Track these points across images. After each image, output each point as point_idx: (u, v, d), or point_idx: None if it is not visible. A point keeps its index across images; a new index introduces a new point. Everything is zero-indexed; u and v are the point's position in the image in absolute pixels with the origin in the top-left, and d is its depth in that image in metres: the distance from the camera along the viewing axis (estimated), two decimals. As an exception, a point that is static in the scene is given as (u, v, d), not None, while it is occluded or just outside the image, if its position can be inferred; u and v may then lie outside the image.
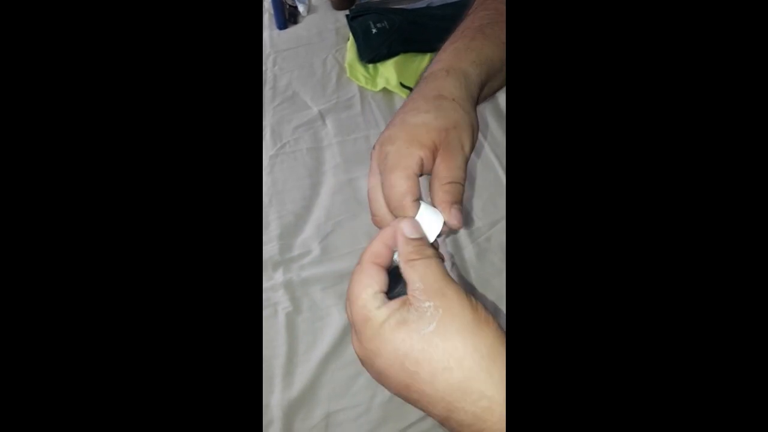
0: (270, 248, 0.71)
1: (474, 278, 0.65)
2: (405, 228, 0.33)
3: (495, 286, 0.64)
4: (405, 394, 0.30)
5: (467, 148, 0.36)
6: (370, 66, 1.00)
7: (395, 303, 0.30)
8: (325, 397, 0.58)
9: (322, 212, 0.74)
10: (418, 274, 0.30)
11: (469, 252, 0.68)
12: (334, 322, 0.63)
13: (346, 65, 1.01)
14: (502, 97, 0.89)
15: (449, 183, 0.35)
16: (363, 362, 0.33)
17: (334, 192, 0.76)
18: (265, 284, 0.67)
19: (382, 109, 0.93)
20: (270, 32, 1.14)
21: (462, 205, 0.36)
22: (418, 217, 0.35)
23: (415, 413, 0.55)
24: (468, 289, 0.33)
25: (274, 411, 0.56)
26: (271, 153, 0.85)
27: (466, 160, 0.36)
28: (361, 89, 0.97)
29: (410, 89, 0.92)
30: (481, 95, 0.40)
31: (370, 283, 0.31)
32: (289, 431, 0.55)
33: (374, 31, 1.01)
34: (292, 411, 0.56)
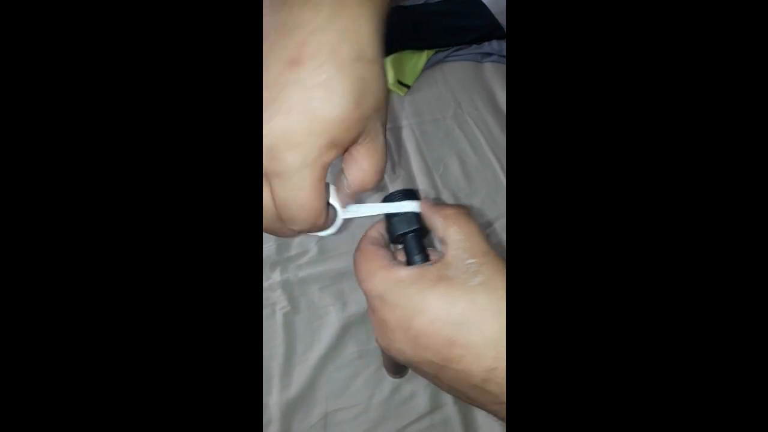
0: (267, 248, 0.70)
1: (472, 277, 0.65)
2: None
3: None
4: (446, 352, 0.27)
5: (383, 128, 0.28)
6: (368, 64, 0.99)
7: (428, 263, 0.28)
8: (323, 397, 0.58)
9: (319, 211, 0.74)
10: (463, 232, 0.28)
11: (467, 250, 0.68)
12: (332, 321, 0.63)
13: (343, 63, 1.01)
14: (500, 96, 0.88)
15: (373, 182, 0.29)
16: (392, 332, 0.28)
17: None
18: (263, 284, 0.67)
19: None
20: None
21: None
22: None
23: (413, 412, 0.55)
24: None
25: (272, 411, 0.56)
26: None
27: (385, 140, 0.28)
28: (359, 87, 0.97)
29: (408, 87, 0.92)
30: None
31: (383, 255, 0.30)
32: (287, 431, 0.55)
33: (371, 28, 1.01)
34: (290, 411, 0.56)
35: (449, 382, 0.28)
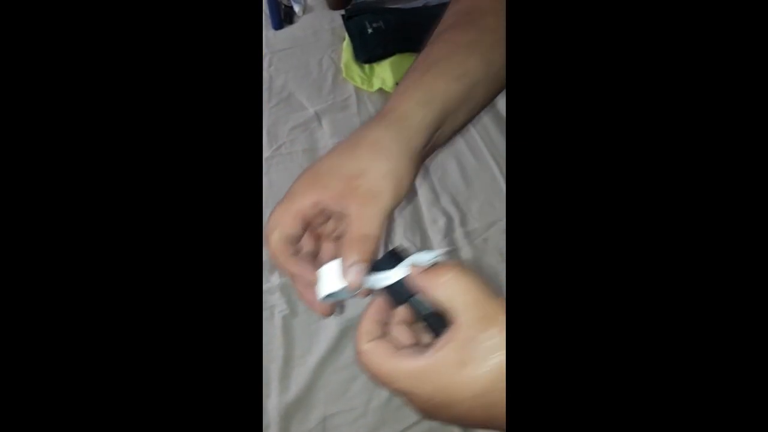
0: (266, 251, 0.70)
1: (471, 280, 0.65)
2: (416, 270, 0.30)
3: (492, 288, 0.64)
4: (490, 426, 0.28)
5: (385, 198, 0.32)
6: (366, 66, 0.99)
7: (440, 346, 0.27)
8: (321, 401, 0.57)
9: (318, 214, 0.74)
10: (470, 298, 0.28)
11: (465, 253, 0.68)
12: (331, 325, 0.63)
13: (341, 65, 1.01)
14: (500, 101, 0.88)
15: (353, 239, 0.32)
16: (433, 412, 0.29)
17: (331, 193, 0.75)
18: (262, 287, 0.67)
19: (379, 109, 0.92)
20: (266, 32, 1.14)
21: (369, 263, 0.32)
22: (319, 270, 0.32)
23: (411, 416, 0.55)
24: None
25: (270, 414, 0.56)
26: (267, 155, 0.85)
27: (385, 210, 0.32)
28: (357, 90, 0.97)
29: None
30: (437, 134, 0.36)
31: (386, 347, 0.29)
32: (285, 435, 0.54)
33: (370, 31, 1.01)
34: (288, 414, 0.56)
35: None
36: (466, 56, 0.37)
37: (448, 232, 0.71)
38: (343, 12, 1.11)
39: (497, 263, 0.67)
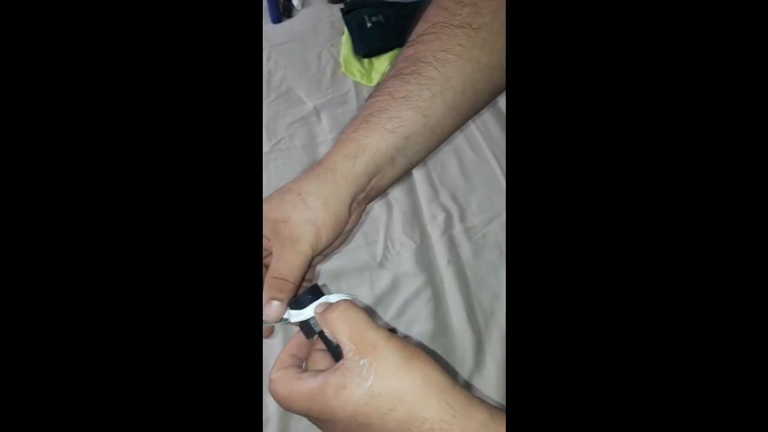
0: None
1: (470, 276, 0.65)
2: (318, 307, 0.36)
3: (491, 284, 0.64)
4: None
5: (304, 245, 0.36)
6: (365, 60, 0.99)
7: (331, 371, 0.32)
8: (321, 396, 0.57)
9: (317, 209, 0.73)
10: (346, 336, 0.32)
11: (465, 250, 0.68)
12: (330, 320, 0.62)
13: (341, 60, 1.01)
14: (500, 98, 0.88)
15: (271, 277, 0.36)
16: (325, 429, 0.34)
17: (330, 189, 0.75)
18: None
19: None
20: (264, 26, 1.13)
21: (289, 299, 0.36)
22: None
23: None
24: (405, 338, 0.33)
25: (270, 410, 0.56)
26: (266, 150, 0.85)
27: (304, 256, 0.36)
28: (357, 84, 0.96)
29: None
30: (374, 181, 0.39)
31: (291, 374, 0.34)
32: (285, 430, 0.54)
33: (369, 25, 1.01)
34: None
35: None
36: (400, 109, 0.39)
37: (448, 228, 0.71)
38: (342, 6, 1.11)
39: (496, 259, 0.67)
